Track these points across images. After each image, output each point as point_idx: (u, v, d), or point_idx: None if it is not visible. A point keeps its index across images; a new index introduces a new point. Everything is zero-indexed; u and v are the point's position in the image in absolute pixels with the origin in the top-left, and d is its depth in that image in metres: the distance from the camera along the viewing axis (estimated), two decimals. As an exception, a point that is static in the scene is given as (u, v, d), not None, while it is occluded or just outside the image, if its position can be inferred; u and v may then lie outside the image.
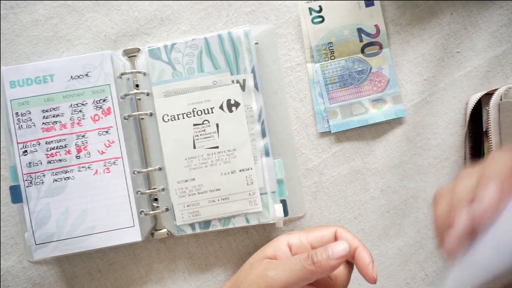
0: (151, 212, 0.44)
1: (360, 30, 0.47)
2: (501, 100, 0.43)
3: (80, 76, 0.43)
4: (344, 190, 0.47)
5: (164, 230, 0.45)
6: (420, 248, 0.47)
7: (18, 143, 0.42)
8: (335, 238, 0.37)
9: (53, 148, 0.43)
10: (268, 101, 0.46)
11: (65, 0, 0.47)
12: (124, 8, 0.47)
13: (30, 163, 0.42)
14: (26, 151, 0.43)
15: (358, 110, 0.47)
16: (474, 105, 0.45)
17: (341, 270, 0.37)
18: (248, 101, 0.43)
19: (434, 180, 0.47)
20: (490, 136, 0.43)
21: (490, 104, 0.43)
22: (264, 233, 0.47)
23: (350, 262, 0.37)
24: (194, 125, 0.42)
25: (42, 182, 0.42)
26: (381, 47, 0.47)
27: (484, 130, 0.44)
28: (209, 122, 0.42)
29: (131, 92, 0.44)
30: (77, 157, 0.43)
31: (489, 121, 0.43)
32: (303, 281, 0.33)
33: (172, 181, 0.42)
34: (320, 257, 0.33)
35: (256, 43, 0.46)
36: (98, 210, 0.42)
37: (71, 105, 0.43)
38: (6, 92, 0.43)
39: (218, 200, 0.43)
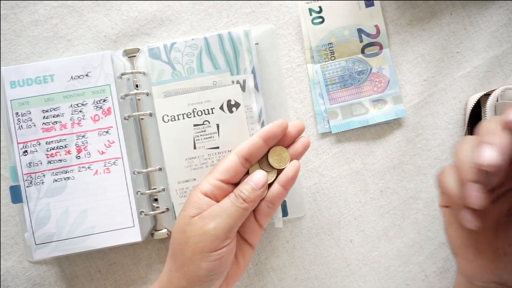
0: (151, 212, 0.44)
1: (360, 31, 0.47)
2: (497, 101, 0.43)
3: (80, 76, 0.43)
4: (344, 191, 0.47)
5: (164, 230, 0.45)
6: (420, 249, 0.47)
7: (18, 143, 0.42)
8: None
9: (53, 148, 0.43)
10: (268, 102, 0.46)
11: (65, 0, 0.47)
12: (124, 8, 0.47)
13: (30, 163, 0.42)
14: (26, 151, 0.42)
15: (359, 110, 0.47)
16: (474, 106, 0.45)
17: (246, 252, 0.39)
18: (249, 102, 0.43)
19: (434, 181, 0.47)
20: (490, 137, 0.43)
21: (487, 105, 0.43)
22: (264, 233, 0.47)
23: (251, 244, 0.39)
24: (194, 125, 0.42)
25: (42, 182, 0.42)
26: (381, 48, 0.47)
27: (484, 130, 0.44)
28: (209, 123, 0.42)
29: (131, 92, 0.44)
30: (77, 157, 0.43)
31: (489, 122, 0.43)
32: (241, 220, 0.35)
33: (173, 181, 0.42)
34: (247, 193, 0.35)
35: (257, 44, 0.46)
36: (98, 210, 0.42)
37: (71, 105, 0.43)
38: (6, 92, 0.43)
39: (218, 200, 0.43)
